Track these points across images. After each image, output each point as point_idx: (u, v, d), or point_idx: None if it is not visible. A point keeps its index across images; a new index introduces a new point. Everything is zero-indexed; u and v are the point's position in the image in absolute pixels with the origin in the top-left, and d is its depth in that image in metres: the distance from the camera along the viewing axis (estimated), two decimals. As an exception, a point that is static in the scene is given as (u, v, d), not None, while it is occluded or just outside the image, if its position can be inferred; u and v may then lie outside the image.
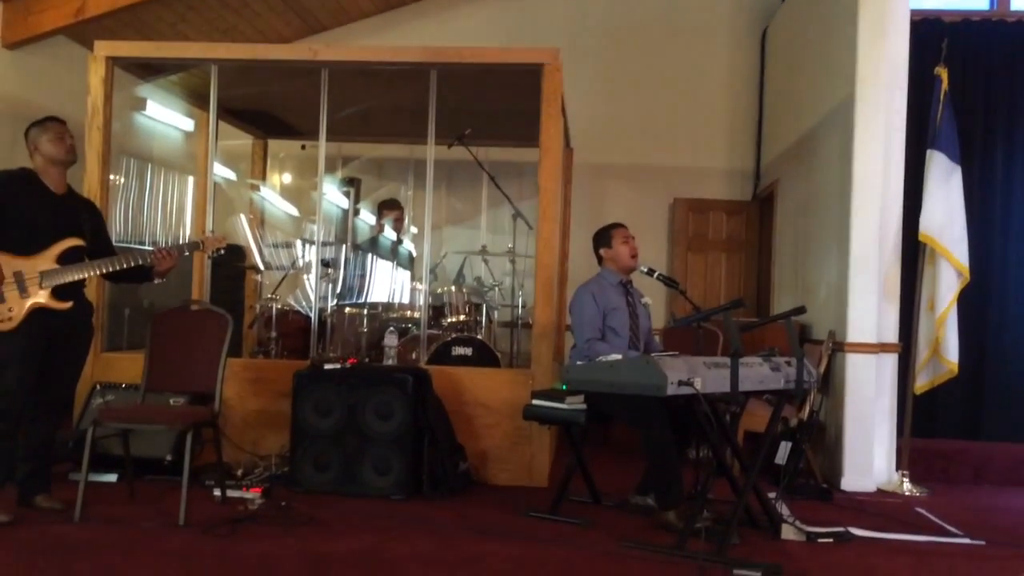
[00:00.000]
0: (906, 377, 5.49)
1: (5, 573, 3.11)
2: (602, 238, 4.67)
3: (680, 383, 3.51)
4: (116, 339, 6.25)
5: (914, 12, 5.72)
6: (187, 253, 4.43)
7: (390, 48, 6.36)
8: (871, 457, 5.34)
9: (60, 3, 6.06)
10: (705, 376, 3.62)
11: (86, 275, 4.01)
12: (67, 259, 3.96)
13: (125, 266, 4.06)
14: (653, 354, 3.92)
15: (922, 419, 5.89)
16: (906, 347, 5.50)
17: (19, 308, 3.83)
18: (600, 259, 4.68)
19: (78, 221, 4.07)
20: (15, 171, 4.02)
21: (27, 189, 3.96)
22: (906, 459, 5.38)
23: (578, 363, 4.15)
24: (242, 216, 7.28)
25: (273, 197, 7.81)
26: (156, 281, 4.19)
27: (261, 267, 6.30)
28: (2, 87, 5.99)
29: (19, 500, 3.98)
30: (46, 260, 3.91)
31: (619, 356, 4.02)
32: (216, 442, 4.29)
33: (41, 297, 3.87)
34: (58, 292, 3.92)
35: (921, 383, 5.45)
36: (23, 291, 3.84)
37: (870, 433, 5.34)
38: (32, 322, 3.85)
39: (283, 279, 6.22)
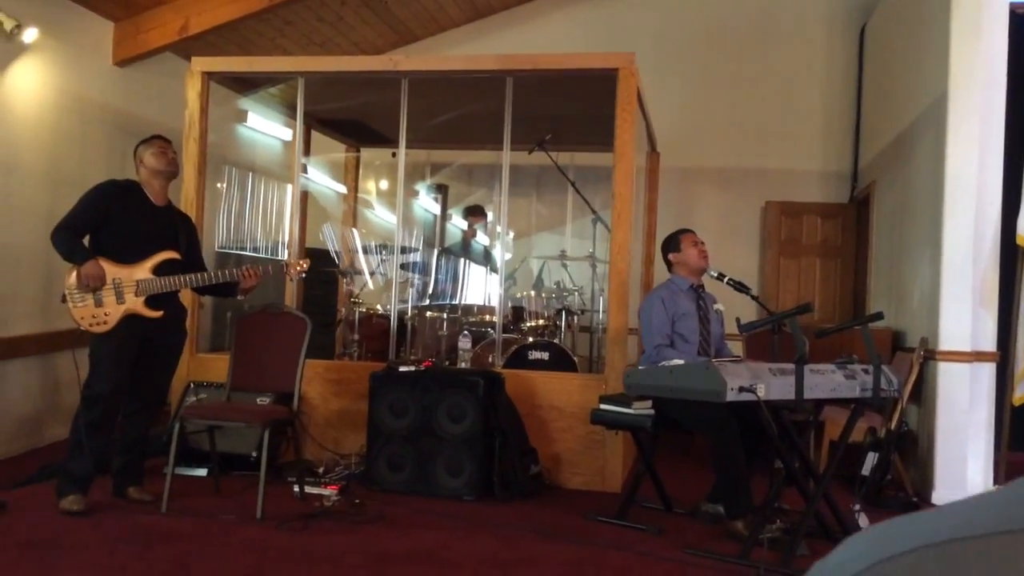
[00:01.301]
0: (1004, 387, 5.22)
1: (87, 557, 3.34)
2: (671, 244, 4.62)
3: (741, 389, 3.46)
4: (219, 340, 6.59)
5: (1016, 5, 5.44)
6: (271, 273, 4.62)
7: (466, 57, 6.47)
8: (964, 470, 5.09)
9: (166, 21, 6.42)
10: (770, 383, 3.56)
11: (177, 286, 4.24)
12: (162, 270, 4.19)
13: (213, 280, 4.29)
14: (715, 359, 3.86)
15: (1025, 432, 5.58)
16: (1004, 356, 5.23)
17: (115, 313, 4.07)
18: (669, 265, 4.63)
19: (176, 234, 4.31)
20: (123, 182, 4.29)
21: (132, 199, 4.22)
22: (1003, 474, 5.11)
23: (640, 368, 4.13)
24: (340, 225, 7.55)
25: (367, 203, 8.06)
26: (240, 298, 4.40)
27: (367, 277, 6.50)
28: (114, 102, 6.38)
29: (113, 491, 4.26)
30: (143, 270, 4.15)
31: (682, 361, 3.98)
32: (295, 440, 4.48)
33: (135, 304, 4.11)
34: (151, 300, 4.15)
35: (1020, 394, 5.16)
36: (119, 297, 4.09)
37: (963, 445, 5.10)
38: (125, 326, 4.09)
39: (364, 284, 6.40)
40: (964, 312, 5.13)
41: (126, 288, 4.10)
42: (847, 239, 7.70)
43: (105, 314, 4.06)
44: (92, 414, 4.05)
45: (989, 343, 5.21)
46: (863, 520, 4.05)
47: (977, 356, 5.14)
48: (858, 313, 7.39)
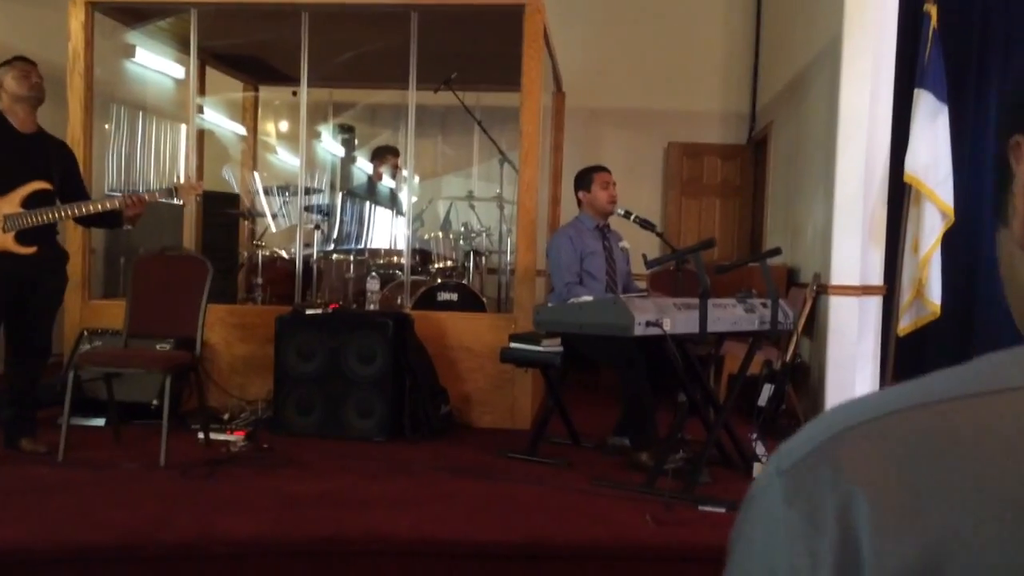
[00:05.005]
0: (889, 320, 5.48)
1: (-19, 510, 3.20)
2: (583, 180, 4.64)
3: (648, 323, 3.54)
4: (112, 287, 6.32)
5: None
6: (160, 199, 4.38)
7: (369, -10, 6.27)
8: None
9: (42, -53, 6.01)
10: (675, 317, 3.65)
11: (52, 219, 3.92)
12: (33, 203, 3.87)
13: (91, 210, 3.99)
14: (623, 295, 3.93)
15: (910, 362, 5.87)
16: (891, 289, 5.49)
17: None
18: (579, 201, 4.66)
19: (46, 163, 3.98)
20: None
21: None
22: (889, 401, 5.39)
23: (550, 305, 4.17)
24: (234, 166, 7.29)
25: (267, 145, 7.81)
26: (126, 227, 4.17)
27: (270, 219, 6.31)
28: (-15, 34, 5.97)
29: (4, 443, 4.08)
30: (10, 203, 3.83)
31: (590, 298, 4.04)
32: (198, 386, 4.37)
33: (4, 241, 3.80)
34: (22, 236, 3.84)
35: (904, 325, 5.42)
36: None
37: (852, 376, 5.36)
38: None
39: (267, 227, 6.24)
40: (854, 248, 5.35)
41: None
42: (745, 179, 7.90)
43: None
44: None
45: (877, 277, 5.45)
46: (760, 448, 4.24)
47: (865, 290, 5.37)
48: (756, 250, 7.62)
